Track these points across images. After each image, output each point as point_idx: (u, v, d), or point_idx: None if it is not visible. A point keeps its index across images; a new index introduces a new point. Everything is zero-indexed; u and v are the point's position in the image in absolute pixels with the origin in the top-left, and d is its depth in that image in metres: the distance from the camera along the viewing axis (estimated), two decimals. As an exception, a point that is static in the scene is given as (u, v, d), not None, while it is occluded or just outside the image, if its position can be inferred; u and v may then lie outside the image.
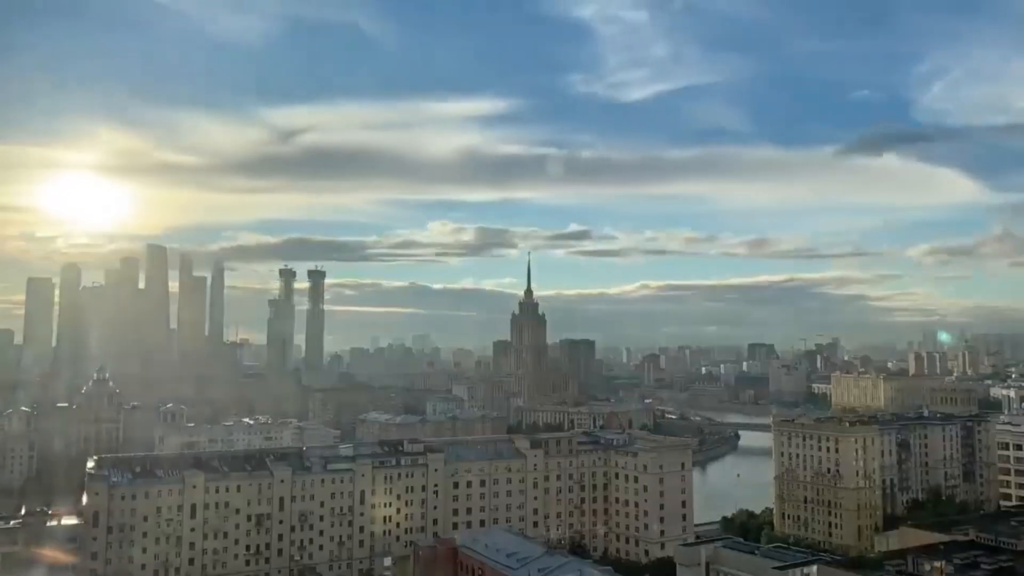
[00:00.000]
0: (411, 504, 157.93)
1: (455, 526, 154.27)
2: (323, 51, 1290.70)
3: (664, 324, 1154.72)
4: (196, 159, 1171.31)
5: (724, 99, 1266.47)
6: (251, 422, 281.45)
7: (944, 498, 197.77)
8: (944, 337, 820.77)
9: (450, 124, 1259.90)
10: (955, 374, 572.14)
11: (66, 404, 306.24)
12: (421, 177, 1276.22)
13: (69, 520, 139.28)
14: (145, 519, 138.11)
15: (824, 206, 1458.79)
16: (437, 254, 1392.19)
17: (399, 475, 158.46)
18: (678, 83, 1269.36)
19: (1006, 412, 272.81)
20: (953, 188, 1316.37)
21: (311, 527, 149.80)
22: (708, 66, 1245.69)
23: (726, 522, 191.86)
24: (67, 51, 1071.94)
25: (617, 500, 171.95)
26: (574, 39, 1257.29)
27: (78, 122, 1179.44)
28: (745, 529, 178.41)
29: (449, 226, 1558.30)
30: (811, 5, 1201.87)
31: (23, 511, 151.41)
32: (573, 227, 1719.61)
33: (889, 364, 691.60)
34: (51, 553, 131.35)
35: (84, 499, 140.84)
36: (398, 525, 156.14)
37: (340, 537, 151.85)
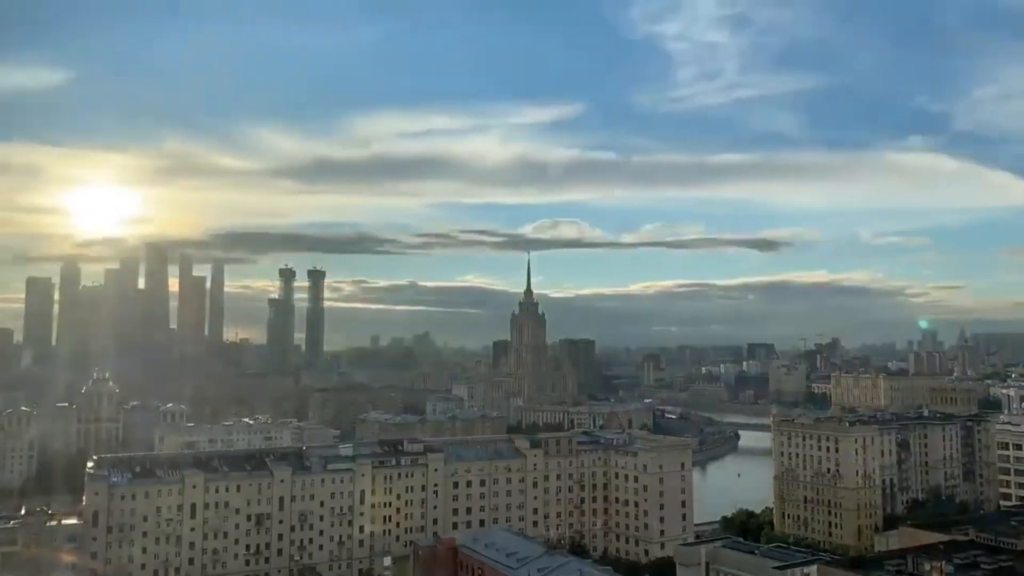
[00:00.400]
0: (411, 504, 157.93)
1: (455, 526, 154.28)
2: (402, 58, 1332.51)
3: (688, 322, 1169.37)
4: (253, 164, 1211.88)
5: (787, 109, 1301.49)
6: (251, 422, 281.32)
7: (944, 498, 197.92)
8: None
9: (513, 130, 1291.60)
10: (955, 374, 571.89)
11: (66, 404, 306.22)
12: (478, 180, 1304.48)
13: (69, 520, 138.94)
14: (145, 519, 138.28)
15: (876, 208, 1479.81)
16: (466, 248, 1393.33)
17: (399, 475, 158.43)
18: (744, 94, 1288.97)
19: (1006, 412, 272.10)
20: (1008, 191, 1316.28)
21: (311, 527, 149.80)
22: (776, 79, 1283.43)
23: (726, 522, 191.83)
24: (143, 58, 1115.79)
25: (617, 500, 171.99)
26: (651, 54, 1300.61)
27: (146, 127, 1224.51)
28: (745, 529, 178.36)
29: (488, 226, 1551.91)
30: (875, 24, 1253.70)
31: (23, 511, 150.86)
32: (599, 228, 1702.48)
33: (889, 364, 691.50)
34: (51, 553, 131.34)
35: (84, 499, 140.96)
36: (398, 525, 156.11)
37: (340, 537, 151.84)
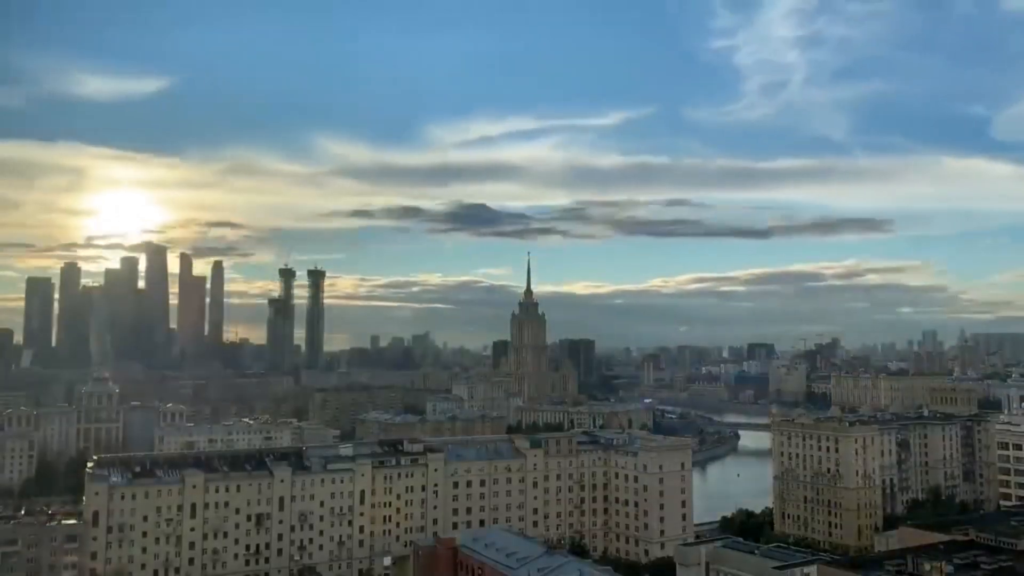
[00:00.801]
0: (411, 504, 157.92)
1: (455, 526, 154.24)
2: (479, 66, 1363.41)
3: (710, 319, 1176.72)
4: (314, 168, 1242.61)
5: (847, 116, 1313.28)
6: (251, 422, 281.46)
7: (944, 498, 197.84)
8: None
9: (577, 133, 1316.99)
10: (955, 374, 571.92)
11: (66, 404, 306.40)
12: (536, 182, 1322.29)
13: (69, 520, 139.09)
14: (145, 519, 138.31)
15: (931, 209, 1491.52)
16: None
17: (399, 475, 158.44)
18: (806, 103, 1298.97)
19: (1006, 412, 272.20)
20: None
21: (311, 527, 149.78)
22: (838, 89, 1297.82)
23: (726, 522, 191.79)
24: (234, 66, 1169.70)
25: (617, 500, 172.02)
26: (720, 68, 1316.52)
27: (215, 133, 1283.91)
28: (745, 529, 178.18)
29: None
30: (940, 42, 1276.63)
31: (23, 511, 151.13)
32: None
33: (889, 364, 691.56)
34: (51, 553, 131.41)
35: (84, 499, 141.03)
36: (398, 525, 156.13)
37: (340, 537, 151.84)
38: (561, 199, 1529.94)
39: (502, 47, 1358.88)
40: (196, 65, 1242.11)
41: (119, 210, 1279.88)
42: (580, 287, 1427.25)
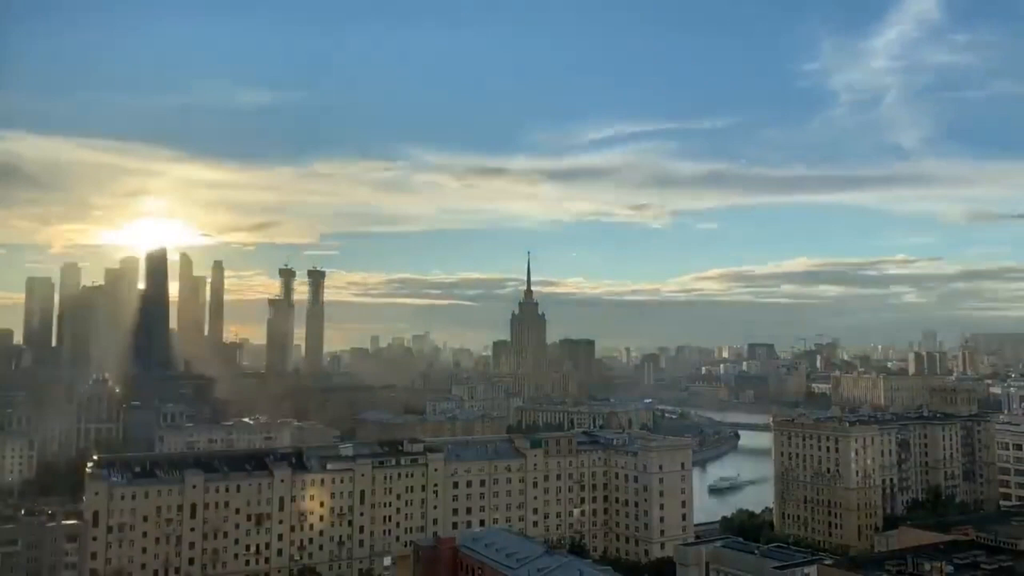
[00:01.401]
0: (411, 504, 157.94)
1: (455, 526, 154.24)
2: (573, 71, 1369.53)
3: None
4: (395, 173, 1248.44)
5: (924, 129, 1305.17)
6: (251, 422, 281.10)
7: (944, 498, 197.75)
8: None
9: (666, 138, 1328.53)
10: (955, 374, 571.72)
11: (66, 404, 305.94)
12: (625, 185, 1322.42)
13: (69, 520, 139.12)
14: (145, 519, 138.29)
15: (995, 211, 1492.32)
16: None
17: (399, 475, 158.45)
18: (892, 118, 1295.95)
19: (1006, 412, 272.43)
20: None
21: (311, 527, 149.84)
22: (922, 103, 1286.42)
23: (726, 522, 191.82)
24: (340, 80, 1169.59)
25: (617, 500, 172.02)
26: (814, 90, 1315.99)
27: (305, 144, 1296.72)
28: (745, 529, 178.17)
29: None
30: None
31: (23, 511, 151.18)
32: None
33: (889, 364, 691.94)
34: (51, 553, 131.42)
35: (84, 499, 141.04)
36: (398, 525, 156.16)
37: (340, 537, 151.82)
38: (632, 200, 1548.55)
39: (601, 56, 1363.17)
40: (303, 75, 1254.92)
41: (178, 213, 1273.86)
42: (603, 285, 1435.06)
